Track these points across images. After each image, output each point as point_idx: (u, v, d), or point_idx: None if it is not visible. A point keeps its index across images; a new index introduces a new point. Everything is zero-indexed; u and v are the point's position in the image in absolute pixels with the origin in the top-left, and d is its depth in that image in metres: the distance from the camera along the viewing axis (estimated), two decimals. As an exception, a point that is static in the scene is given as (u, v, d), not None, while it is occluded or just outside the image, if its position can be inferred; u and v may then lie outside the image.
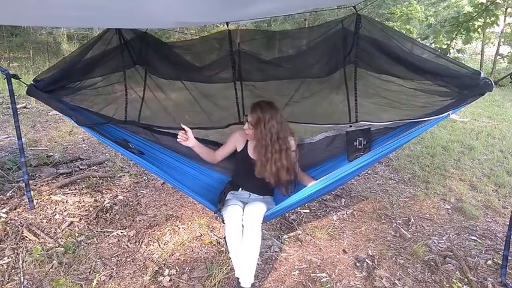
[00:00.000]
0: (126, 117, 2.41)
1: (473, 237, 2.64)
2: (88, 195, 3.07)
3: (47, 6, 1.35)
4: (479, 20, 4.34)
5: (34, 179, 3.28)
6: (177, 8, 1.56)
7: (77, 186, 3.23)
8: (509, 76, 1.64)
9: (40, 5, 1.32)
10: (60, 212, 2.78)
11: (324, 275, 2.15)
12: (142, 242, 2.44)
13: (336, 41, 2.16)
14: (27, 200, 2.28)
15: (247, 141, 2.18)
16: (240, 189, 2.20)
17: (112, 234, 2.52)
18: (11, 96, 1.85)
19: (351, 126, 2.26)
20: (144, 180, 3.46)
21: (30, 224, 2.57)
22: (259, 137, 2.01)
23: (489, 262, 2.33)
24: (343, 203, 3.13)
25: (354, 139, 2.19)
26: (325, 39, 2.19)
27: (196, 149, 2.16)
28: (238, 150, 2.22)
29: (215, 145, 2.44)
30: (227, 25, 2.40)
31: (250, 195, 2.18)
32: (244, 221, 1.90)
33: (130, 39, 2.26)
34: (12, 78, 1.83)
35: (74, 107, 2.06)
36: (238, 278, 1.91)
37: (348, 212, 2.95)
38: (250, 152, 2.15)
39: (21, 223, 2.57)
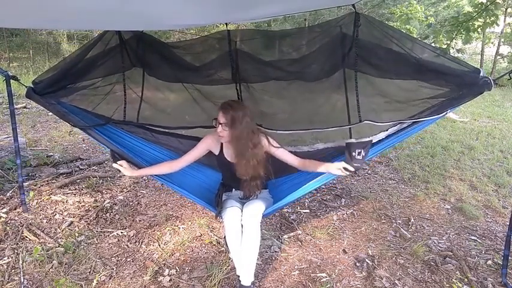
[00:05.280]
0: (125, 117, 2.41)
1: (473, 237, 2.64)
2: (88, 195, 3.07)
3: (48, 9, 1.35)
4: (479, 20, 4.34)
5: (34, 179, 3.28)
6: (178, 10, 1.56)
7: (77, 186, 3.23)
8: (508, 74, 1.64)
9: (41, 8, 1.32)
10: (60, 212, 2.78)
11: (324, 275, 2.15)
12: (142, 242, 2.44)
13: (334, 40, 2.15)
14: (21, 202, 2.29)
15: (221, 144, 2.10)
16: (233, 189, 2.18)
17: (112, 234, 2.52)
18: (9, 98, 1.85)
19: (351, 137, 2.24)
20: (144, 180, 3.46)
21: (30, 224, 2.57)
22: (238, 136, 1.94)
23: (489, 262, 2.33)
24: (343, 203, 3.13)
25: (353, 150, 2.17)
26: (324, 38, 2.19)
27: (146, 173, 2.14)
28: (216, 154, 2.13)
29: None
30: (226, 25, 2.40)
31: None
32: (243, 221, 1.90)
33: (128, 38, 2.25)
34: (11, 80, 1.83)
35: (73, 108, 2.06)
36: (238, 276, 1.92)
37: (348, 212, 2.95)
38: (228, 156, 2.08)
39: (21, 223, 2.57)
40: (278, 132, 2.31)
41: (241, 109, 1.96)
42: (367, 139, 1.99)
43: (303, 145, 2.46)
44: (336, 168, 1.80)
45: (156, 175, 2.04)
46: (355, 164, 1.76)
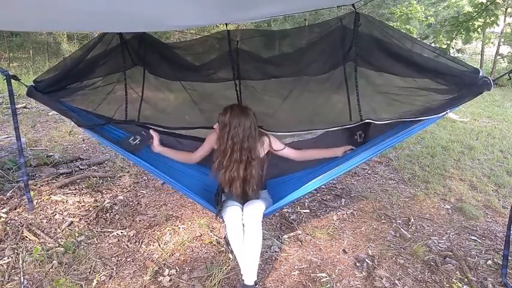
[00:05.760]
0: (127, 116, 2.41)
1: (473, 237, 2.64)
2: (88, 195, 3.07)
3: (48, 12, 1.35)
4: (479, 20, 4.34)
5: (34, 179, 3.28)
6: (178, 10, 1.56)
7: (77, 186, 3.23)
8: (507, 74, 1.64)
9: (41, 10, 1.32)
10: (60, 212, 2.78)
11: (324, 275, 2.15)
12: (142, 242, 2.44)
13: (334, 40, 2.15)
14: (27, 201, 2.29)
15: None
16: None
17: (112, 234, 2.52)
18: (10, 97, 1.85)
19: (351, 119, 2.26)
20: (144, 180, 3.46)
21: (30, 224, 2.57)
22: (220, 142, 1.96)
23: (489, 262, 2.33)
24: (343, 203, 3.13)
25: (354, 133, 2.21)
26: (324, 37, 2.19)
27: (166, 153, 2.19)
28: None
29: None
30: (226, 25, 2.40)
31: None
32: (244, 220, 1.90)
33: (129, 38, 2.26)
34: (12, 79, 1.83)
35: (73, 108, 2.07)
36: (242, 275, 1.91)
37: (348, 212, 2.95)
38: None
39: (21, 223, 2.57)
40: (279, 134, 2.32)
41: (239, 118, 1.91)
42: (366, 120, 2.03)
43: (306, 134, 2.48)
44: (342, 152, 1.99)
45: (160, 171, 2.02)
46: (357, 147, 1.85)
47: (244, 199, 2.05)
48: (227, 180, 1.99)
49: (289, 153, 2.16)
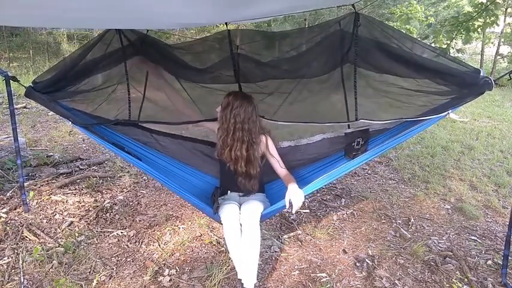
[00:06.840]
0: (130, 116, 2.41)
1: (473, 237, 2.64)
2: (88, 195, 3.07)
3: (48, 8, 1.35)
4: (479, 19, 4.34)
5: (34, 179, 3.28)
6: (179, 9, 1.56)
7: (77, 186, 3.23)
8: (508, 75, 1.64)
9: (41, 6, 1.33)
10: (60, 212, 2.78)
11: (324, 275, 2.15)
12: (142, 242, 2.44)
13: (334, 40, 2.15)
14: (23, 202, 2.29)
15: None
16: (229, 192, 2.17)
17: (112, 234, 2.52)
18: (9, 98, 1.86)
19: (349, 127, 2.25)
20: (144, 180, 3.46)
21: (30, 224, 2.57)
22: (223, 120, 2.01)
23: (489, 262, 2.33)
24: (343, 203, 3.13)
25: (352, 140, 2.19)
26: (323, 38, 2.19)
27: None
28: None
29: (214, 146, 2.44)
30: (226, 25, 2.40)
31: (240, 195, 2.16)
32: (242, 220, 1.88)
33: (133, 40, 2.25)
34: (11, 80, 1.83)
35: (72, 109, 2.07)
36: (240, 280, 1.88)
37: (348, 212, 2.95)
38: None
39: (21, 223, 2.57)
40: (279, 122, 2.32)
41: (241, 101, 1.98)
42: (364, 127, 2.01)
43: (302, 138, 2.47)
44: (288, 195, 1.84)
45: (158, 173, 2.01)
46: (354, 153, 1.79)
47: (246, 184, 2.06)
48: (233, 159, 2.03)
49: (275, 165, 2.12)
